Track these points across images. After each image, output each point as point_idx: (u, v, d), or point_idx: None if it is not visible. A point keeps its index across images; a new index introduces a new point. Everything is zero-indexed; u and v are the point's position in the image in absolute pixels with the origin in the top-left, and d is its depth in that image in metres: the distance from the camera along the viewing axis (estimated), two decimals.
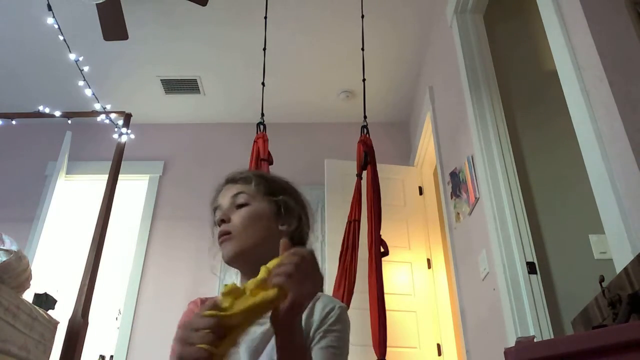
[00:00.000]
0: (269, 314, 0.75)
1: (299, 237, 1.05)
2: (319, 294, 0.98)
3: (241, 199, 1.03)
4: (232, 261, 0.98)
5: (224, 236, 0.98)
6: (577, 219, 2.22)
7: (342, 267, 2.44)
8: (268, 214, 1.03)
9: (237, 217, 1.00)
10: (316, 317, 0.93)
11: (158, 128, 4.58)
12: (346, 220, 2.58)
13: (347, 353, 0.93)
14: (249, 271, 0.97)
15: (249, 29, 3.59)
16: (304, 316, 0.92)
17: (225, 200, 1.04)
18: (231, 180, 1.09)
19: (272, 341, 0.88)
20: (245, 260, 0.98)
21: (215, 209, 1.07)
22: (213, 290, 3.60)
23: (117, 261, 4.54)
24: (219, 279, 3.48)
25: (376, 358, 2.26)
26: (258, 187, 1.06)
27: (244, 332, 0.67)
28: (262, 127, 2.81)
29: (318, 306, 0.95)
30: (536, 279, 2.13)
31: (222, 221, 1.00)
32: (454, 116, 3.03)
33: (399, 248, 3.63)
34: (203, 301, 0.99)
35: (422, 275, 3.70)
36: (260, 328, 0.90)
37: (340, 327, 0.93)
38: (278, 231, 1.02)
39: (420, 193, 4.06)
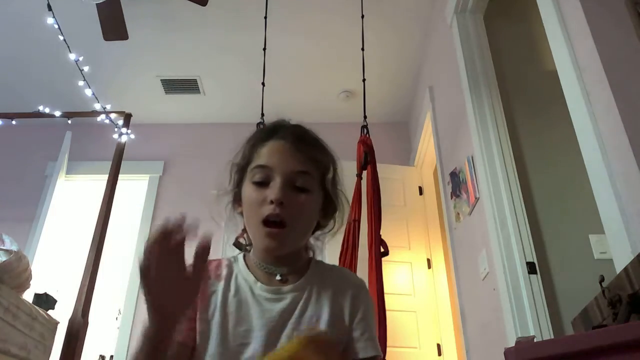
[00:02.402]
0: None
1: (319, 230, 0.98)
2: (335, 270, 0.95)
3: (303, 182, 0.87)
4: (272, 255, 0.88)
5: (277, 227, 0.84)
6: (577, 219, 2.22)
7: None
8: (318, 208, 0.92)
9: (296, 206, 0.86)
10: (347, 304, 0.88)
11: (158, 128, 4.58)
12: (346, 220, 2.58)
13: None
14: (277, 258, 0.90)
15: (249, 29, 3.59)
16: (327, 300, 0.88)
17: (283, 169, 0.87)
18: (300, 143, 0.90)
19: (292, 320, 0.85)
20: (282, 254, 0.89)
21: (260, 166, 0.88)
22: None
23: (117, 261, 4.54)
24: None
25: None
26: (325, 174, 0.93)
27: None
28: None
29: (343, 289, 0.90)
30: (536, 279, 2.13)
31: (281, 203, 0.84)
32: (454, 116, 3.03)
33: (399, 248, 3.63)
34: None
35: (422, 275, 3.70)
36: (278, 305, 0.85)
37: (370, 310, 0.91)
38: (313, 227, 0.93)
39: (420, 193, 4.06)
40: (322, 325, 0.84)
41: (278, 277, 0.89)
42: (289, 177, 0.87)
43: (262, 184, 0.87)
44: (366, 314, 0.89)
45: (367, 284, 2.45)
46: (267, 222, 0.85)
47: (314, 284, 0.90)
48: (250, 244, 0.95)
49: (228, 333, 0.82)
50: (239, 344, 0.81)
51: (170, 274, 0.70)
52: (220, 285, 0.88)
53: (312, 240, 0.98)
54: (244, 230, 0.95)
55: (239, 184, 0.94)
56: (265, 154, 0.90)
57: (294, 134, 0.92)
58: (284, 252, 0.89)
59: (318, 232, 0.98)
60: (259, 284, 0.88)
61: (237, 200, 0.94)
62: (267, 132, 0.94)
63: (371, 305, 0.92)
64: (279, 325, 0.83)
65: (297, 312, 0.85)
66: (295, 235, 0.88)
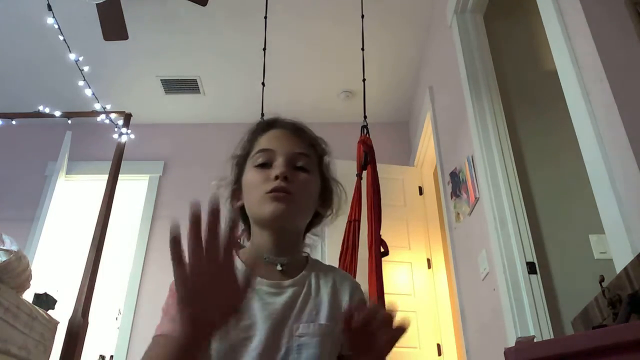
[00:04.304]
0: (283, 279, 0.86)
1: (317, 224, 1.00)
2: (333, 268, 0.97)
3: (304, 163, 0.92)
4: (279, 221, 0.88)
5: (284, 194, 0.87)
6: (577, 219, 2.22)
7: (342, 267, 2.44)
8: (317, 191, 0.95)
9: (299, 182, 0.89)
10: (346, 299, 0.90)
11: (158, 128, 4.59)
12: (346, 220, 2.58)
13: None
14: (279, 237, 0.90)
15: (249, 29, 3.59)
16: (326, 294, 0.89)
17: (285, 150, 0.92)
18: (298, 131, 0.97)
19: (293, 314, 0.85)
20: (287, 226, 0.90)
21: (262, 150, 0.93)
22: None
23: (117, 261, 4.54)
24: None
25: None
26: (321, 158, 0.98)
27: None
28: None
29: (342, 285, 0.92)
30: (536, 279, 2.13)
31: (285, 178, 0.87)
32: (454, 116, 3.03)
33: (399, 248, 3.63)
34: None
35: (422, 275, 3.70)
36: (281, 298, 0.86)
37: None
38: (313, 210, 0.95)
39: (420, 193, 4.06)
40: (322, 319, 0.85)
41: (279, 267, 0.90)
42: (291, 157, 0.91)
43: (265, 165, 0.91)
44: None
45: (367, 285, 2.46)
46: (272, 192, 0.87)
47: (312, 279, 0.91)
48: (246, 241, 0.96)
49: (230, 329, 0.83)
50: (242, 337, 0.81)
51: (213, 272, 0.61)
52: None
53: (309, 237, 1.00)
54: (243, 230, 0.96)
55: (237, 179, 0.96)
56: (266, 140, 0.95)
57: (292, 124, 0.99)
58: (290, 221, 0.90)
59: (316, 228, 0.99)
60: (258, 277, 0.87)
61: (235, 195, 0.96)
62: (266, 124, 0.99)
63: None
64: (281, 318, 0.84)
65: (297, 306, 0.86)
66: (299, 208, 0.90)
